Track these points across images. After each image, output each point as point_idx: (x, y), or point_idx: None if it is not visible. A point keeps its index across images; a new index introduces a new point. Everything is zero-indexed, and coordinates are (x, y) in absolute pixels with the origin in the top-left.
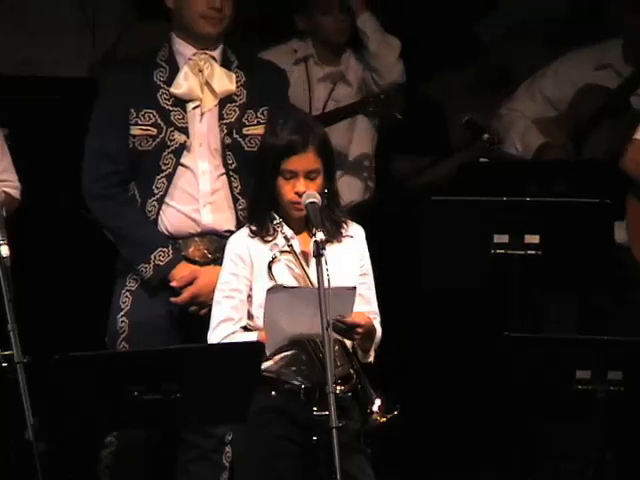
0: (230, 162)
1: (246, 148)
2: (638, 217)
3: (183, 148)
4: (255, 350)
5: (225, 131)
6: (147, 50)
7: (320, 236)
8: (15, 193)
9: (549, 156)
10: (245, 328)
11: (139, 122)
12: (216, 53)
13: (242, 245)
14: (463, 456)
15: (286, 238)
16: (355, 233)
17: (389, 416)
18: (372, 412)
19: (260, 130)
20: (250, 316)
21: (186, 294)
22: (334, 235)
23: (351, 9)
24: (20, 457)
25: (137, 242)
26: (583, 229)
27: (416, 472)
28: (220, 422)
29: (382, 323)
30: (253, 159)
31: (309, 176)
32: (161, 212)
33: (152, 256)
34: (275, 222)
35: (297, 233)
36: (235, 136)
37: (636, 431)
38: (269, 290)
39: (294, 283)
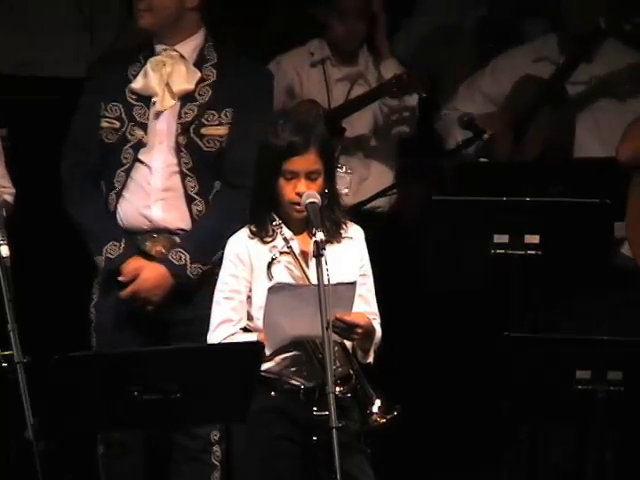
0: (186, 161)
1: (204, 148)
2: (637, 217)
3: (141, 144)
4: (255, 350)
5: (179, 130)
6: (136, 45)
7: (320, 236)
8: (11, 199)
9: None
10: (245, 329)
11: (106, 115)
12: (186, 50)
13: (242, 246)
14: (463, 456)
15: (285, 239)
16: (355, 234)
17: (389, 417)
18: (372, 413)
19: (221, 131)
20: (250, 317)
21: (127, 289)
22: (334, 235)
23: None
24: (20, 457)
25: (94, 235)
26: (583, 229)
27: (416, 472)
28: (220, 422)
29: (382, 323)
30: (212, 160)
31: (310, 177)
32: (118, 205)
33: (104, 249)
34: (274, 223)
35: (297, 234)
36: (192, 135)
37: (636, 431)
38: (270, 289)
39: None
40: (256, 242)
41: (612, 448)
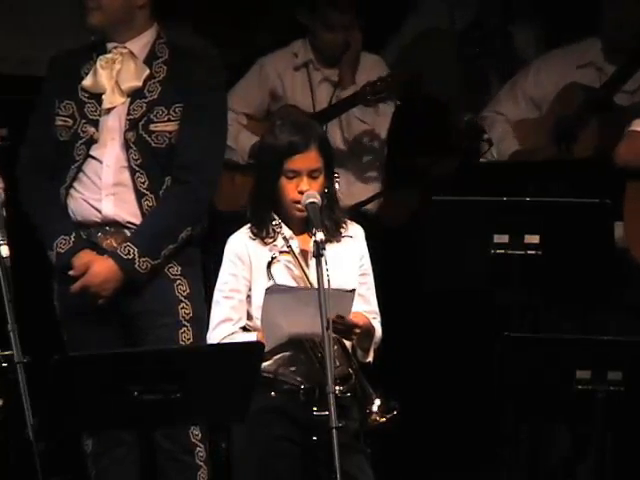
0: (135, 157)
1: (153, 144)
2: (635, 217)
3: (92, 140)
4: (255, 350)
5: (128, 126)
6: (92, 42)
7: (320, 236)
8: None
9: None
10: (244, 328)
11: (60, 113)
12: (137, 47)
13: (241, 246)
14: (463, 456)
15: (285, 239)
16: (355, 233)
17: (388, 416)
18: (371, 412)
19: (171, 127)
20: (249, 316)
21: (77, 284)
22: (334, 235)
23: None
24: (20, 457)
25: (45, 230)
26: (583, 229)
27: (416, 472)
28: (220, 422)
29: (382, 323)
30: (163, 156)
31: (312, 175)
32: (69, 199)
33: (54, 243)
34: (274, 223)
35: (297, 233)
36: (141, 132)
37: (636, 431)
38: (267, 290)
39: (293, 284)
40: (256, 242)
41: (612, 448)
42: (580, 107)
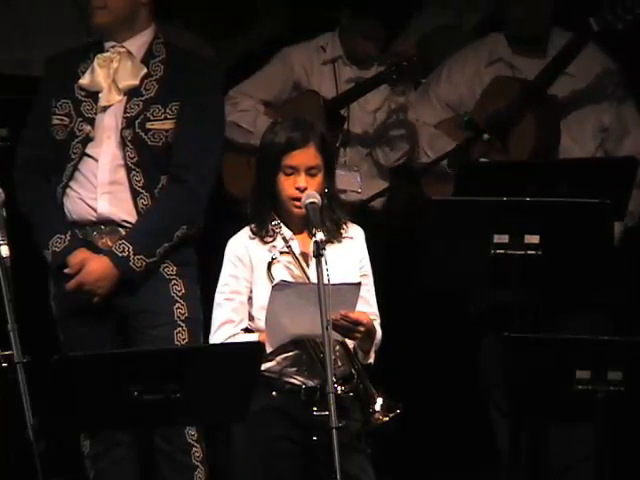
0: (131, 155)
1: (149, 142)
2: None
3: (88, 138)
4: (255, 350)
5: (124, 124)
6: (90, 42)
7: (320, 236)
8: None
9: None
10: (246, 330)
11: (57, 112)
12: (134, 46)
13: (241, 247)
14: (463, 456)
15: (285, 239)
16: (355, 234)
17: (391, 415)
18: (374, 412)
19: (167, 125)
20: (251, 317)
21: (72, 282)
22: (334, 235)
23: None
24: (20, 457)
25: (41, 229)
26: (583, 229)
27: (416, 472)
28: (220, 422)
29: (383, 323)
30: (159, 154)
31: (310, 172)
32: (65, 198)
33: (50, 242)
34: (274, 223)
35: (296, 234)
36: (137, 130)
37: (636, 431)
38: (274, 287)
39: None
40: (256, 242)
41: (612, 448)
42: (516, 100)
